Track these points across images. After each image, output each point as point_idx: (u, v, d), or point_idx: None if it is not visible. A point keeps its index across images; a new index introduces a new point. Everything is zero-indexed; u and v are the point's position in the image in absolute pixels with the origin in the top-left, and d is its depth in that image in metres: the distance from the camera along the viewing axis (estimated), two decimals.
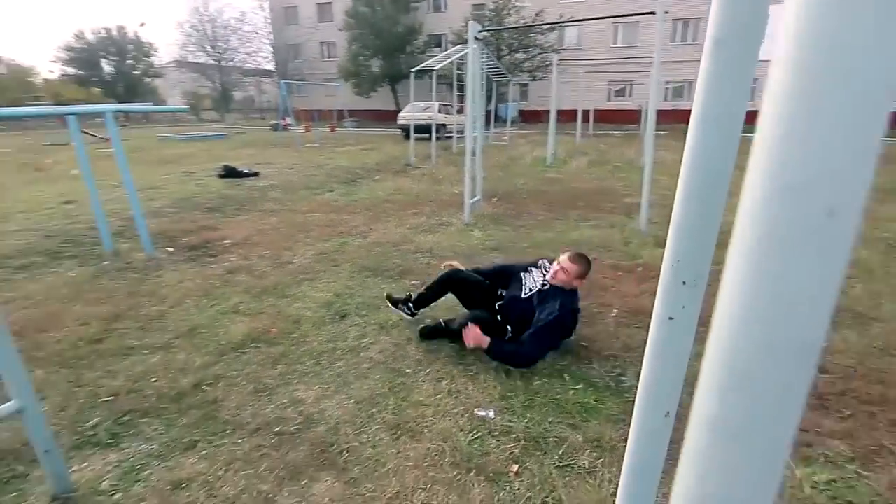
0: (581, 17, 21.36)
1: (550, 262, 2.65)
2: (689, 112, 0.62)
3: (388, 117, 24.92)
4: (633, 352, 2.52)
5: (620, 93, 23.94)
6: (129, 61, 39.70)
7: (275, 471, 1.74)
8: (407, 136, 14.35)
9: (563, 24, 19.85)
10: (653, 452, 0.74)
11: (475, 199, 5.39)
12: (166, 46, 59.94)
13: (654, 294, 2.69)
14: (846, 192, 0.24)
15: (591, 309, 3.00)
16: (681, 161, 0.64)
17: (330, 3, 34.67)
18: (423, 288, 2.83)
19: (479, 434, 1.94)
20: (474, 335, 2.36)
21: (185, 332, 2.74)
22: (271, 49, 37.46)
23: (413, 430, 1.96)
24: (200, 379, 2.29)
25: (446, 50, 25.23)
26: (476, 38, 4.74)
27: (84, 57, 38.74)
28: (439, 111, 14.12)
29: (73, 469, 1.73)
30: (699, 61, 0.58)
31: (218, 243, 4.50)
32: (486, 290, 2.75)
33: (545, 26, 23.16)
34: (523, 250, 4.20)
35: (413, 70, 9.99)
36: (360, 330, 2.78)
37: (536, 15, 24.78)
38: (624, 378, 2.32)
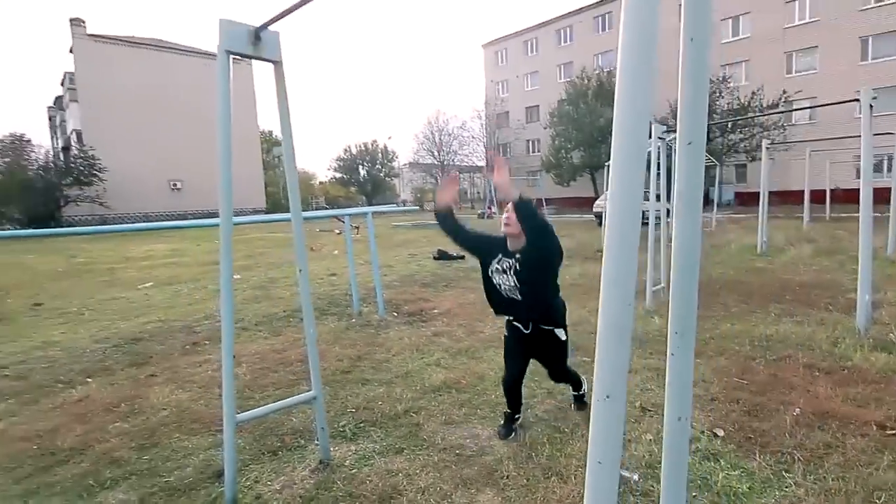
0: (795, 106, 19.15)
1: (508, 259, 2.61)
2: None
3: (586, 204, 25.51)
4: (806, 451, 2.42)
5: (877, 168, 19.84)
6: (377, 166, 50.05)
7: (453, 478, 2.34)
8: (600, 223, 14.64)
9: (776, 112, 18.00)
10: (679, 442, 1.13)
11: (659, 286, 5.47)
12: (403, 152, 73.45)
13: (853, 400, 2.77)
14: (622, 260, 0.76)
15: (768, 405, 2.92)
16: None
17: (537, 106, 38.39)
18: (507, 405, 2.81)
19: (620, 490, 2.21)
20: (502, 170, 2.48)
21: (401, 374, 3.66)
22: (484, 149, 42.71)
23: (562, 474, 2.34)
24: (409, 408, 3.09)
25: (650, 136, 25.05)
26: (660, 138, 5.13)
27: (348, 164, 50.48)
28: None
29: (330, 450, 2.63)
30: None
31: (429, 312, 5.60)
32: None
33: (757, 115, 21.24)
34: (705, 341, 4.16)
35: (607, 164, 10.53)
36: (531, 391, 3.28)
37: (753, 94, 23.03)
38: (788, 474, 2.27)
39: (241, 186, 34.92)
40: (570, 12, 36.09)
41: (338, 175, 52.57)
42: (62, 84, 39.43)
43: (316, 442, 2.64)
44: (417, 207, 36.29)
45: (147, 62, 34.32)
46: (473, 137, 43.40)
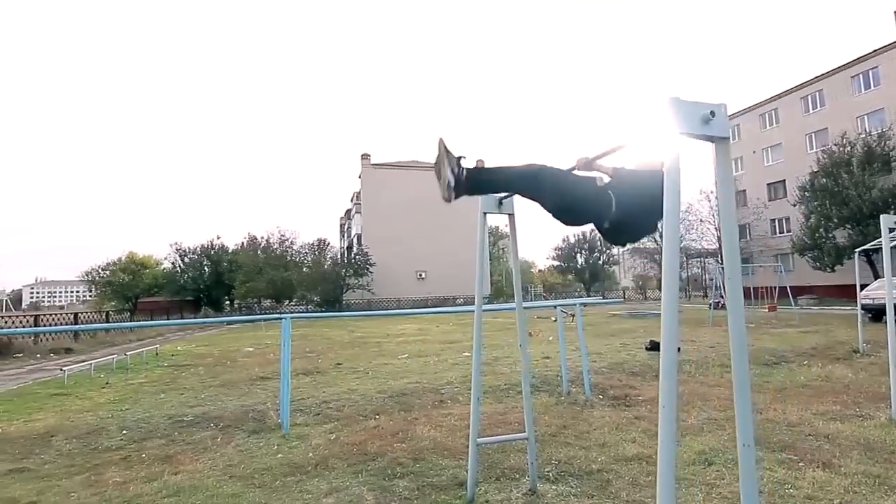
0: None
1: None
2: None
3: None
4: None
5: None
6: (595, 254, 50.14)
7: None
8: (874, 317, 12.01)
9: None
10: (747, 466, 1.77)
11: None
12: None
13: None
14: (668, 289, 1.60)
15: None
16: None
17: (782, 181, 33.78)
18: None
19: None
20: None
21: (599, 444, 4.32)
22: (716, 232, 38.88)
23: None
24: (602, 468, 3.76)
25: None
26: (890, 230, 4.82)
27: (565, 252, 51.95)
28: None
29: (537, 484, 3.52)
30: None
31: (633, 398, 6.01)
32: None
33: None
34: None
35: (859, 249, 9.07)
36: (719, 475, 3.57)
37: None
38: None
39: (472, 275, 39.46)
40: (818, 76, 31.94)
41: (556, 263, 54.48)
42: (351, 200, 52.80)
43: (527, 477, 3.57)
44: (621, 300, 34.87)
45: (406, 179, 43.61)
46: (702, 221, 40.08)
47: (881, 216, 5.00)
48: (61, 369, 9.18)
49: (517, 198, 3.42)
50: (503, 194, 3.42)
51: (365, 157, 44.41)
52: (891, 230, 5.00)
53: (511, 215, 3.47)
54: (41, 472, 4.18)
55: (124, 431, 5.33)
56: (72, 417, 6.04)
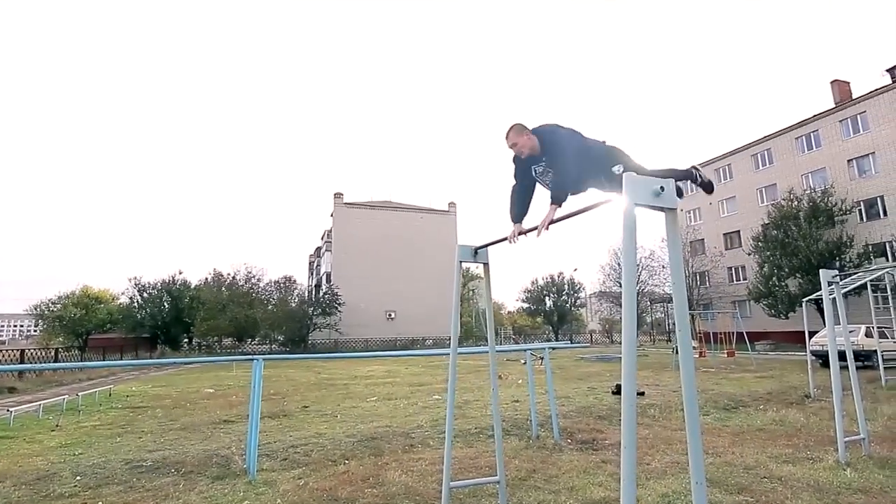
0: None
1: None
2: None
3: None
4: None
5: None
6: (563, 297, 51.04)
7: None
8: (824, 364, 12.65)
9: None
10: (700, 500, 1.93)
11: (859, 437, 5.11)
12: (589, 283, 73.21)
13: None
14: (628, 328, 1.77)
15: None
16: None
17: (737, 231, 35.73)
18: None
19: None
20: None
21: (567, 487, 4.41)
22: None
23: None
24: None
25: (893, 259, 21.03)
26: (829, 283, 5.27)
27: (535, 295, 52.63)
28: (867, 335, 12.00)
29: None
30: None
31: (600, 441, 6.15)
32: None
33: None
34: None
35: (806, 299, 9.74)
36: None
37: None
38: None
39: (442, 316, 39.39)
40: (766, 136, 34.56)
41: (525, 305, 55.02)
42: (322, 238, 52.51)
43: None
44: (588, 345, 35.68)
45: (377, 219, 43.94)
46: (664, 267, 41.57)
47: (820, 270, 5.47)
48: (8, 410, 8.63)
49: (492, 248, 3.64)
50: (478, 245, 3.63)
51: (338, 195, 44.65)
52: (829, 283, 5.48)
53: (486, 264, 3.67)
54: None
55: (78, 477, 5.07)
56: (20, 462, 5.70)
